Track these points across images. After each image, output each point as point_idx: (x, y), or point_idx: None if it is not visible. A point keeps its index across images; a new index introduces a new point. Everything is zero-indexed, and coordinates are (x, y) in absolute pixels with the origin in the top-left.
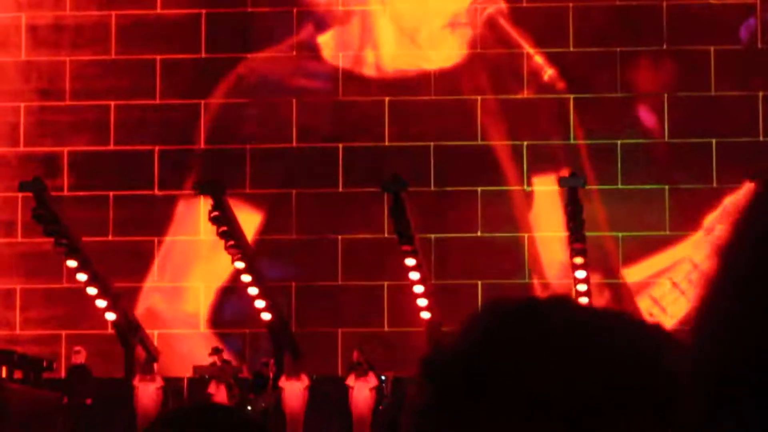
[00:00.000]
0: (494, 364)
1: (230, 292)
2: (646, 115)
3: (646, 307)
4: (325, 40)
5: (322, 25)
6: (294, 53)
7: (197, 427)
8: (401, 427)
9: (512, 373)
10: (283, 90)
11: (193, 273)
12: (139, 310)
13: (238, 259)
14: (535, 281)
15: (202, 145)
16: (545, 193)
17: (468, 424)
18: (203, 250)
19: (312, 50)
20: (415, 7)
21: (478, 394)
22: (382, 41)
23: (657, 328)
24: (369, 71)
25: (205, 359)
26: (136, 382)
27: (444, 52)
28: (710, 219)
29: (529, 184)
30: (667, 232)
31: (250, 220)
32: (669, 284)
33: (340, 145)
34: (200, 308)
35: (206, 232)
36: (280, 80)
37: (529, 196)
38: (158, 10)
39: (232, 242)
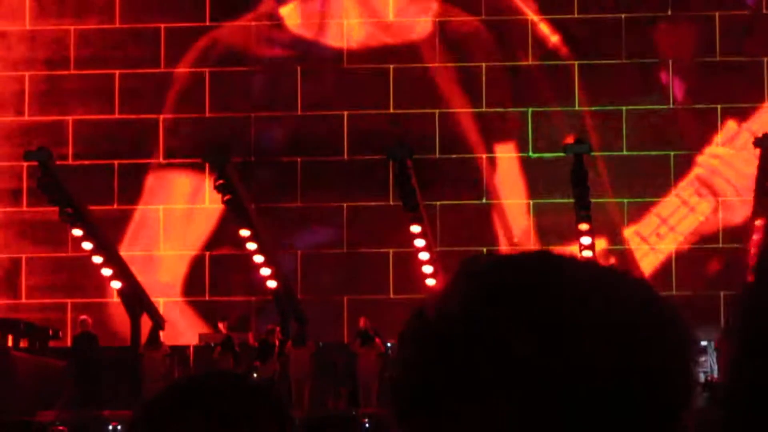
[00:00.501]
0: (474, 327)
1: (235, 260)
2: (654, 81)
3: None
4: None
5: None
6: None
7: (206, 393)
8: (385, 382)
9: (494, 339)
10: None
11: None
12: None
13: (244, 228)
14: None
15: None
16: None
17: (449, 390)
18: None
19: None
20: None
21: (461, 357)
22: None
23: (647, 287)
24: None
25: (209, 327)
26: (142, 350)
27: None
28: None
29: (535, 150)
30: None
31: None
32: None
33: (345, 113)
34: (205, 276)
35: (212, 200)
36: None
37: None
38: None
39: (237, 212)
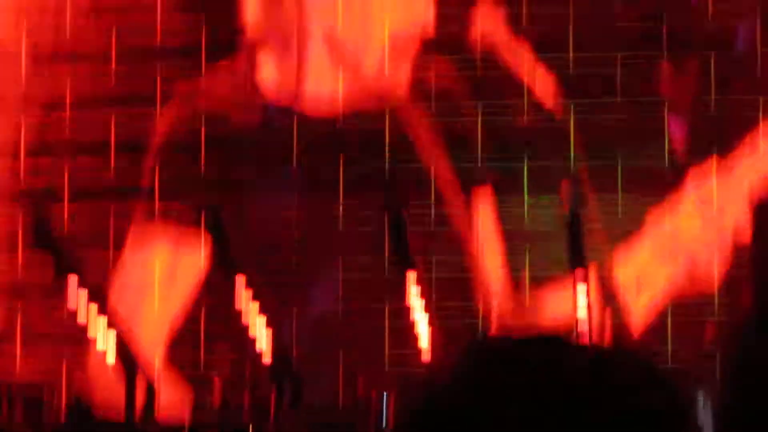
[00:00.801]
0: (479, 416)
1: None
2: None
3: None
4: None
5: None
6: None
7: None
8: None
9: (489, 412)
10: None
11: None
12: None
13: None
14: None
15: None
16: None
17: None
18: None
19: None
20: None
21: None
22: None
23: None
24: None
25: None
26: (137, 423)
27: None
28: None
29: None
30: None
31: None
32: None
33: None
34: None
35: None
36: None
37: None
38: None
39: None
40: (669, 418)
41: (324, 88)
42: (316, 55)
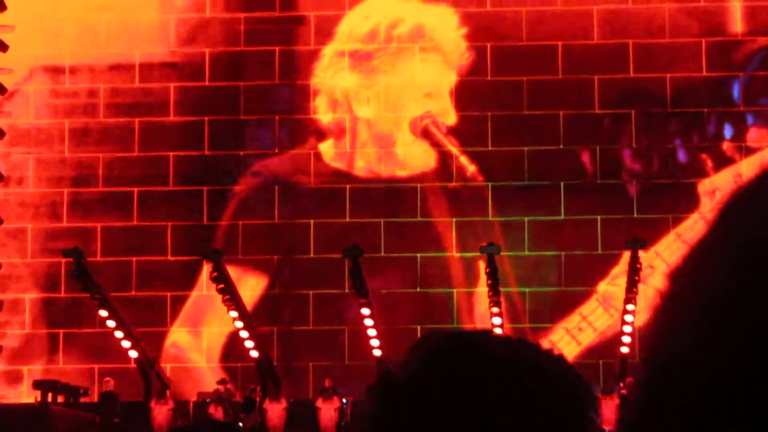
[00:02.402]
0: (431, 390)
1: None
2: (547, 199)
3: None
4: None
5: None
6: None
7: None
8: None
9: (444, 397)
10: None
11: (207, 320)
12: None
13: (233, 309)
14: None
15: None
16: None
17: None
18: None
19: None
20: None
21: (417, 414)
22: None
23: (561, 360)
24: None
25: (211, 387)
26: (152, 404)
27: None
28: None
29: (458, 251)
30: (563, 288)
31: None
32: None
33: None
34: (208, 346)
35: (210, 288)
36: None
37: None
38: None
39: (228, 296)
40: (574, 397)
41: (367, 160)
42: (362, 137)
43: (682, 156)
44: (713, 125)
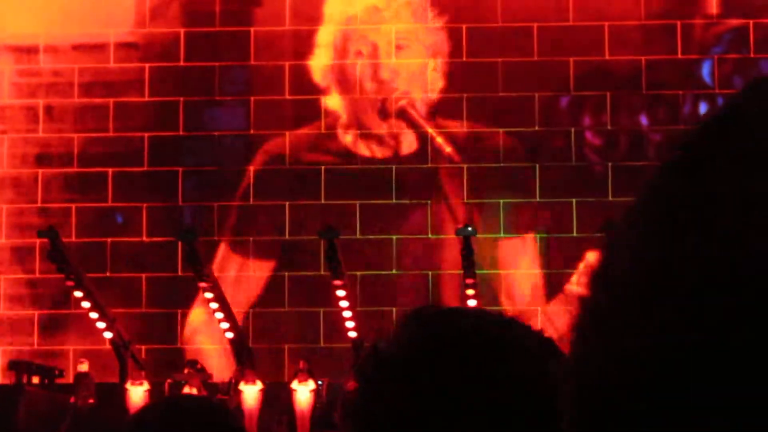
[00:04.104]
0: (415, 365)
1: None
2: (524, 179)
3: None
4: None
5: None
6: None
7: (183, 407)
8: (336, 420)
9: (431, 373)
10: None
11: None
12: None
13: (208, 291)
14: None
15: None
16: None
17: (395, 415)
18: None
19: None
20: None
21: (406, 389)
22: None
23: (544, 338)
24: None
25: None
26: (127, 385)
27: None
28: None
29: (433, 232)
30: (537, 270)
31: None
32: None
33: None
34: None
35: (185, 269)
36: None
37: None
38: None
39: (204, 277)
40: (550, 372)
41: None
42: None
43: (655, 138)
44: (688, 107)
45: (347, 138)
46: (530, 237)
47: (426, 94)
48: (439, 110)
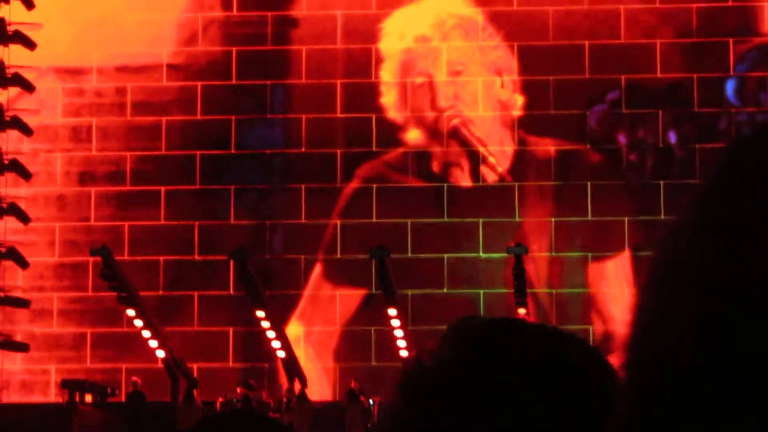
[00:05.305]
0: (465, 376)
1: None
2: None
3: None
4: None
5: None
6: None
7: (238, 420)
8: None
9: (478, 383)
10: None
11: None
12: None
13: (259, 309)
14: None
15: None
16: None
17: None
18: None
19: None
20: None
21: (446, 403)
22: None
23: (595, 350)
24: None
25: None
26: (179, 405)
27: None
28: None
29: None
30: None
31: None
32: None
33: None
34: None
35: (237, 288)
36: None
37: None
38: None
39: (252, 297)
40: (598, 386)
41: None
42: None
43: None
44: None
45: (426, 164)
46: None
47: (498, 112)
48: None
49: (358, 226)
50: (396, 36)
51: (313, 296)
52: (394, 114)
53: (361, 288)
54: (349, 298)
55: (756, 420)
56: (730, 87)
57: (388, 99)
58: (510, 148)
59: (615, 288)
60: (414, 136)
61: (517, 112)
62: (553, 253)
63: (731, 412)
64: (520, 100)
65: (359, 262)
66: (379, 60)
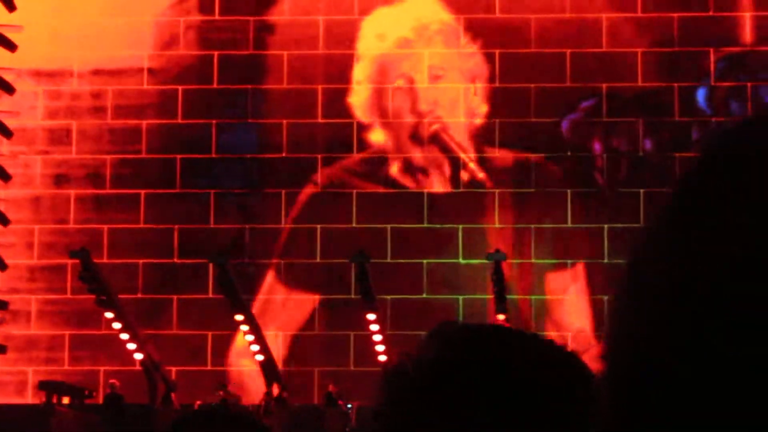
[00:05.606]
0: (447, 376)
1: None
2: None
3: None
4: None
5: None
6: None
7: (219, 416)
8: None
9: (460, 384)
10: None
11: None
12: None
13: (239, 313)
14: None
15: (212, 224)
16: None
17: (415, 426)
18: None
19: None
20: None
21: (428, 403)
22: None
23: (574, 356)
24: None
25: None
26: (157, 407)
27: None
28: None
29: (464, 257)
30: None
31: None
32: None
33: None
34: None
35: (216, 291)
36: None
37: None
38: None
39: (232, 300)
40: (577, 389)
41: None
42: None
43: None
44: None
45: (393, 168)
46: (569, 263)
47: (469, 120)
48: (478, 135)
49: (336, 231)
50: (372, 37)
51: (267, 301)
52: (361, 115)
53: (315, 293)
54: (302, 303)
55: (730, 406)
56: (701, 95)
57: (357, 99)
58: (488, 155)
59: (573, 295)
60: (378, 137)
61: (494, 119)
62: (533, 260)
63: (706, 401)
64: (497, 107)
65: (336, 266)
66: (358, 60)
